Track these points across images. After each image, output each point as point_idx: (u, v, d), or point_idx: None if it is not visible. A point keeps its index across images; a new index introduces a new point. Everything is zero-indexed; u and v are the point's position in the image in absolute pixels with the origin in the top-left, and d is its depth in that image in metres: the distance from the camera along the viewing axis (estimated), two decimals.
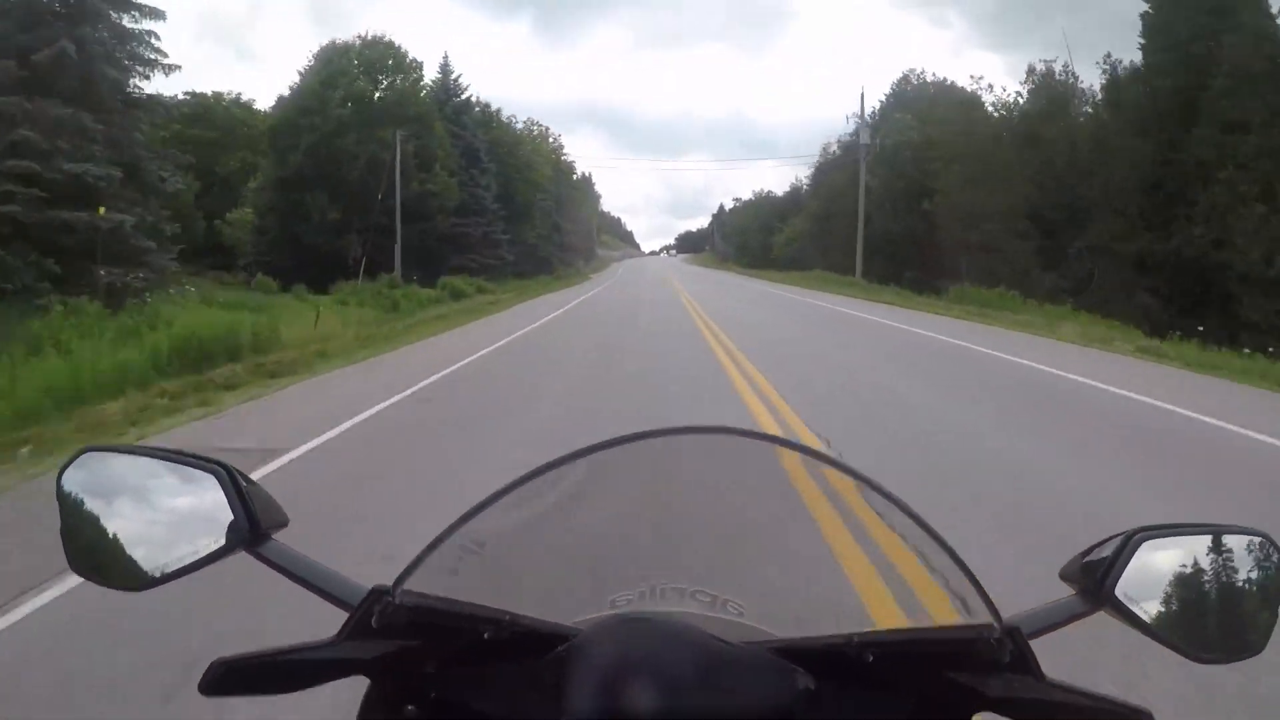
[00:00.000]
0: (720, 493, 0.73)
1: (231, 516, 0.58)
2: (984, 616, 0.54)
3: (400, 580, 0.53)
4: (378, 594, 0.53)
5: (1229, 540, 0.59)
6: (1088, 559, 0.59)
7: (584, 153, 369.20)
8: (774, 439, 0.63)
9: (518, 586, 0.66)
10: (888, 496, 0.58)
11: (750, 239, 61.84)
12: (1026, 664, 0.53)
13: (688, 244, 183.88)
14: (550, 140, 56.17)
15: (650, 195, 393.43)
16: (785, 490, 0.70)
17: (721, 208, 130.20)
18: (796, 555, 0.78)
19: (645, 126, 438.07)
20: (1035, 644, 0.53)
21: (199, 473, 0.59)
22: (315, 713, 1.04)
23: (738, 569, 0.74)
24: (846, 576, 0.82)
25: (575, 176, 69.18)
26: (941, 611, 0.62)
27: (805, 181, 51.31)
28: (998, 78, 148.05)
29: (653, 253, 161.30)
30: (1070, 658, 1.91)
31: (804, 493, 0.72)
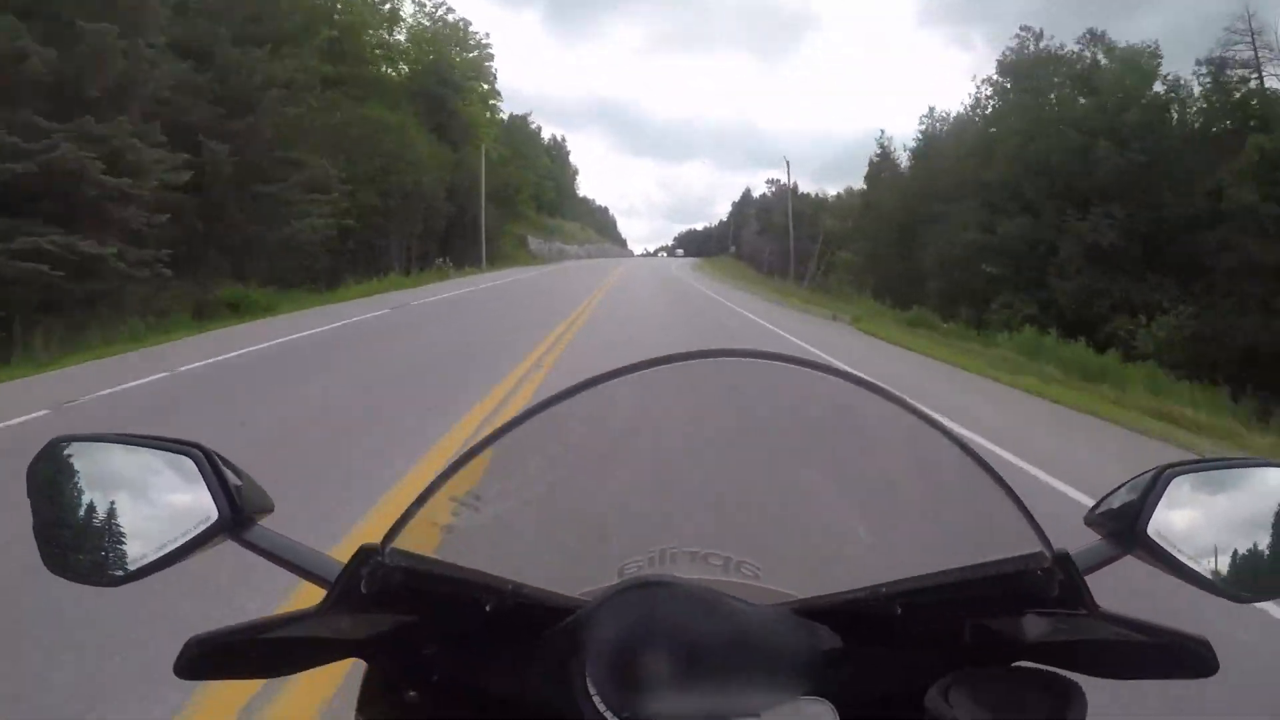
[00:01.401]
0: (729, 442, 0.71)
1: (209, 502, 0.55)
2: (1027, 545, 0.51)
3: (389, 537, 0.51)
4: (365, 553, 0.50)
5: (1260, 473, 0.58)
6: (1113, 501, 0.57)
7: (589, 151, 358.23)
8: (775, 356, 0.59)
9: (518, 552, 0.62)
10: (914, 410, 0.55)
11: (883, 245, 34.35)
12: (1078, 596, 0.51)
13: (693, 244, 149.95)
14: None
15: (651, 198, 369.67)
16: (795, 428, 0.69)
17: (748, 193, 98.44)
18: (812, 508, 0.74)
19: (652, 128, 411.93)
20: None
21: (175, 456, 0.57)
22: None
23: (751, 528, 0.71)
24: (870, 523, 0.70)
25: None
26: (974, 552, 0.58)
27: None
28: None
29: (648, 253, 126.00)
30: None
31: (814, 428, 0.69)
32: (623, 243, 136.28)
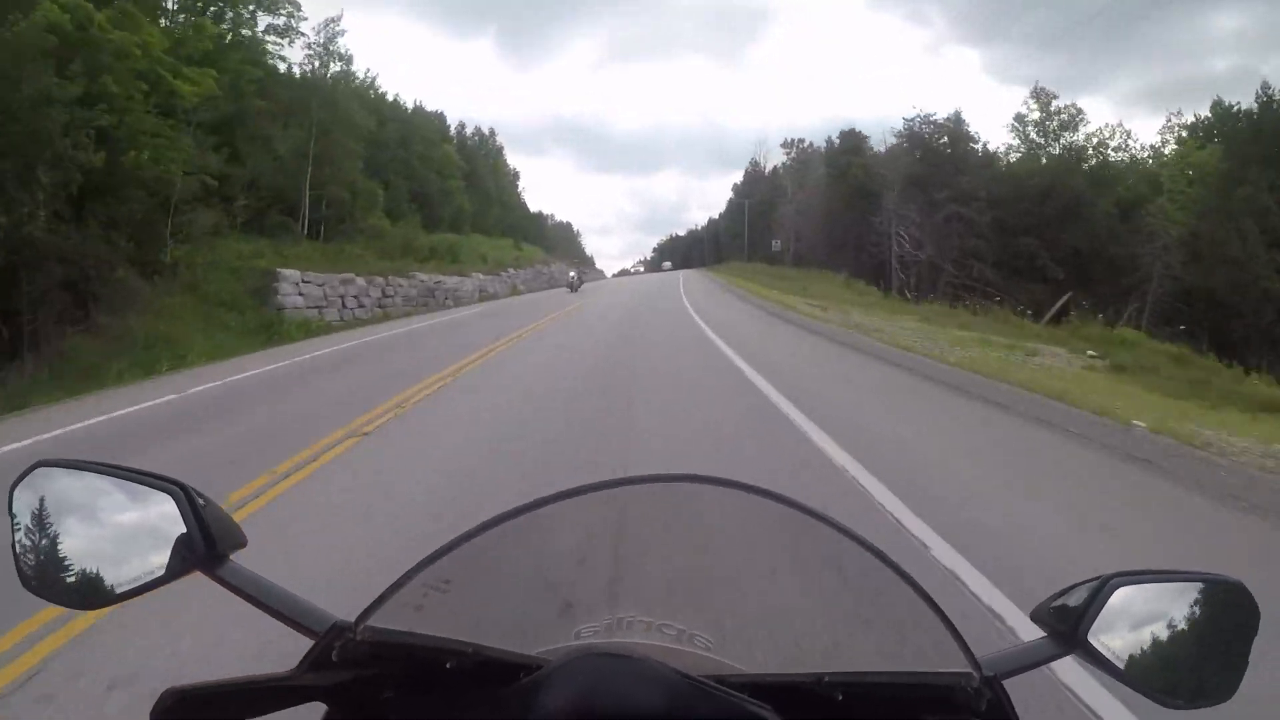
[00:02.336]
0: (689, 530, 0.75)
1: (185, 537, 0.59)
2: (959, 663, 0.57)
3: (363, 616, 0.55)
4: (339, 630, 0.55)
5: (1203, 588, 0.61)
6: (1060, 602, 0.62)
7: (558, 174, 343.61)
8: (743, 486, 0.65)
9: (482, 618, 0.68)
10: (856, 539, 0.61)
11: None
12: (1004, 712, 0.56)
13: (677, 253, 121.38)
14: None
15: (623, 212, 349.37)
16: (755, 529, 0.74)
17: (754, 172, 71.69)
18: (766, 592, 0.80)
19: (617, 142, 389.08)
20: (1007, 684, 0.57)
21: (155, 492, 0.60)
22: None
23: (705, 603, 0.76)
24: (816, 615, 0.78)
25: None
26: (912, 654, 0.66)
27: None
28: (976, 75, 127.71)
29: (626, 272, 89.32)
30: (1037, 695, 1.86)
31: (772, 529, 0.77)
32: (587, 259, 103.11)
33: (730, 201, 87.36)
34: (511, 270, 40.25)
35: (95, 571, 0.59)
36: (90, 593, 0.59)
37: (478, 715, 0.54)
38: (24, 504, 0.61)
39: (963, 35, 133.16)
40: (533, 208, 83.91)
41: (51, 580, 0.60)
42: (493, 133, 72.47)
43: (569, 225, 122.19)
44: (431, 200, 43.73)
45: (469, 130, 66.22)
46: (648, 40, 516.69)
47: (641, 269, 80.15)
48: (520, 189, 76.80)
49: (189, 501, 0.59)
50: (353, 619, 0.56)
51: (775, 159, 71.53)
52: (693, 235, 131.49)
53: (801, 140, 69.82)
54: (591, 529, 0.69)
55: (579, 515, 0.65)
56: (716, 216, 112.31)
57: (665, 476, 0.63)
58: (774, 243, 56.96)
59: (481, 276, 32.55)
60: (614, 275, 72.25)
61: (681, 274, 56.13)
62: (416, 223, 35.18)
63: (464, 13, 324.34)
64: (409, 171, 40.03)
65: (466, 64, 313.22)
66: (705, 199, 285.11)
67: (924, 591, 0.60)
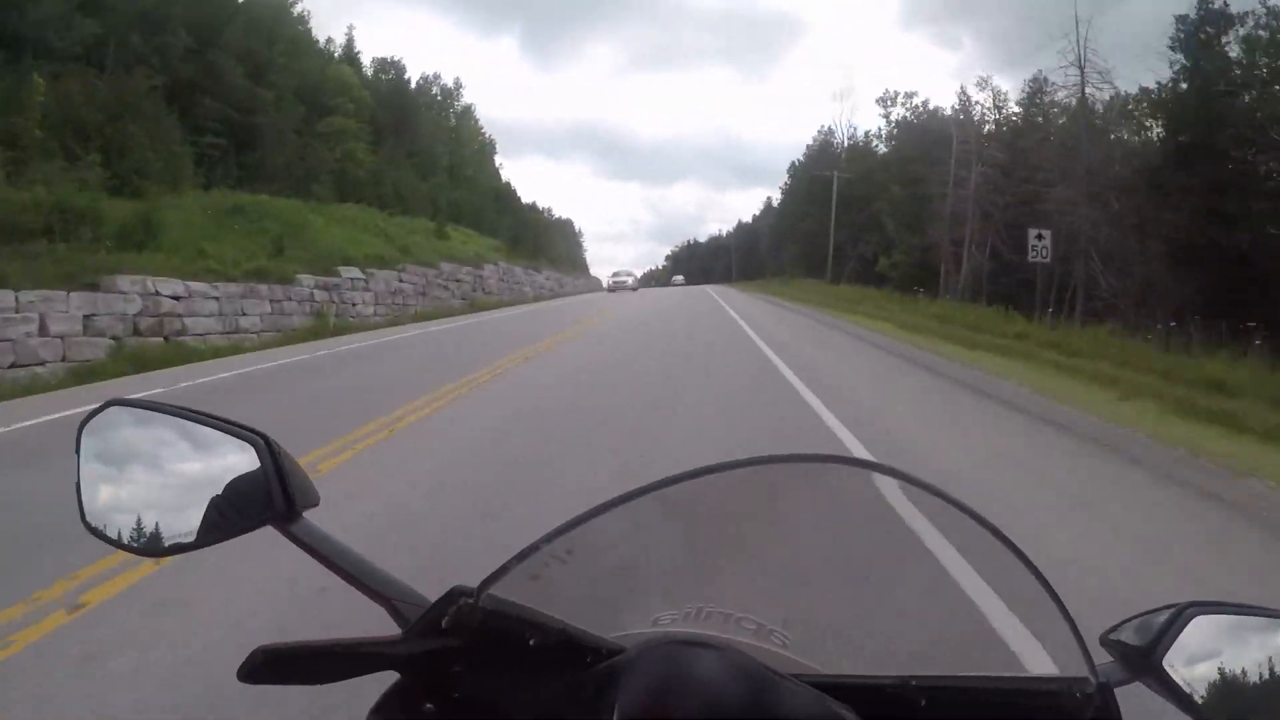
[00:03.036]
0: (779, 519, 0.71)
1: (263, 489, 0.58)
2: (1074, 668, 0.54)
3: (487, 583, 0.54)
4: (456, 594, 0.53)
5: None
6: (1132, 626, 0.60)
7: (576, 178, 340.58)
8: (861, 462, 0.61)
9: (574, 597, 0.65)
10: (981, 521, 0.57)
11: None
12: None
13: (694, 265, 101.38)
14: None
15: (639, 221, 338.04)
16: (851, 518, 0.71)
17: (825, 136, 56.48)
18: (854, 589, 0.77)
19: (635, 150, 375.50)
20: None
21: (233, 440, 0.59)
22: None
23: (786, 599, 0.74)
24: (907, 614, 0.76)
25: None
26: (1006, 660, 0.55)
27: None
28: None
29: (621, 284, 58.15)
30: None
31: (876, 521, 0.73)
32: (583, 266, 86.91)
33: (787, 186, 65.30)
34: (392, 274, 21.41)
35: (162, 518, 0.59)
36: (156, 539, 0.59)
37: (552, 695, 0.54)
38: (92, 443, 0.61)
39: (991, 62, 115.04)
40: (544, 209, 66.45)
41: (114, 523, 0.60)
42: (458, 85, 54.00)
43: (569, 223, 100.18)
44: (262, 139, 24.35)
45: (417, 78, 47.92)
46: (671, 49, 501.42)
47: (630, 280, 51.97)
48: (499, 166, 57.18)
49: (270, 453, 0.58)
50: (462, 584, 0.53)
51: (867, 119, 52.11)
52: (716, 243, 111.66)
53: (912, 94, 50.78)
54: (673, 513, 0.64)
55: (674, 499, 0.60)
56: (750, 219, 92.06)
57: (788, 457, 0.58)
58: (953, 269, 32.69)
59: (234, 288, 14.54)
60: (609, 286, 50.50)
61: (718, 296, 35.59)
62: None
63: (491, 7, 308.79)
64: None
65: (489, 60, 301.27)
66: (723, 213, 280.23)
67: (1045, 580, 0.56)
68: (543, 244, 57.52)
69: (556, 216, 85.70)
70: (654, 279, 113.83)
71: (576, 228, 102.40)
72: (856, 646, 0.68)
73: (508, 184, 62.39)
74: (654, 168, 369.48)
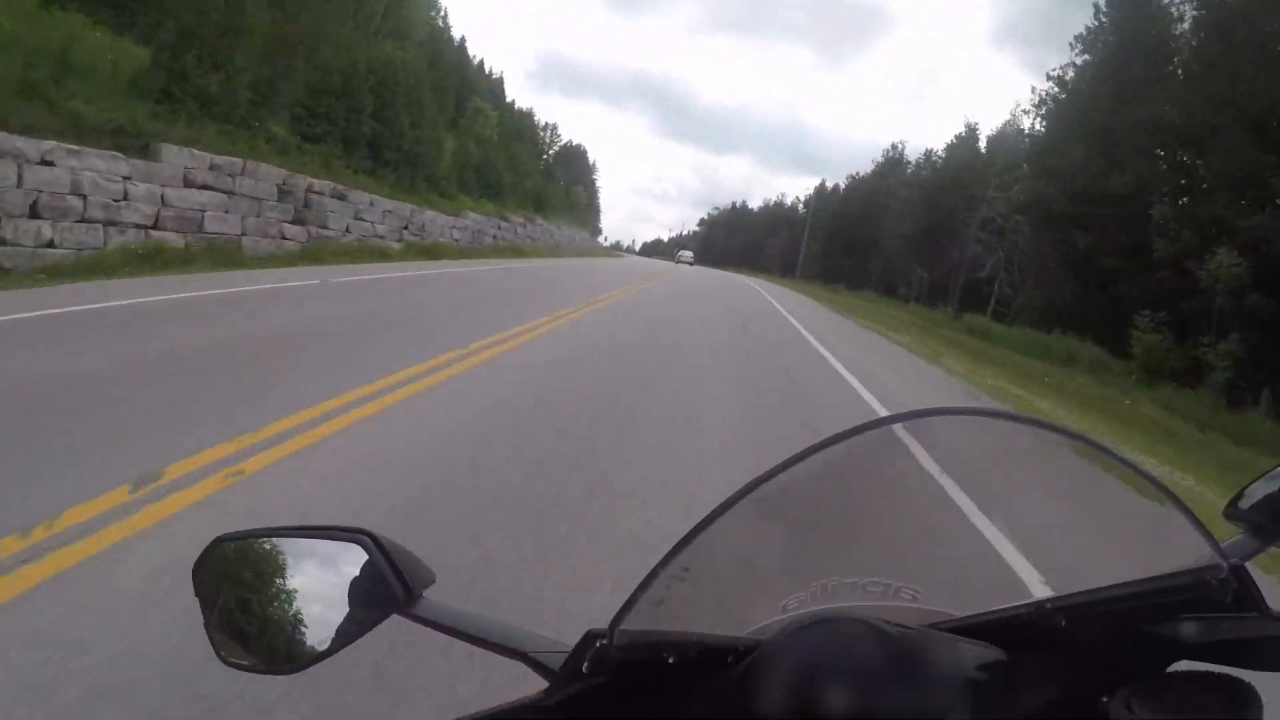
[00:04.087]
0: (884, 478, 0.72)
1: (380, 583, 0.59)
2: (1203, 557, 0.54)
3: (617, 620, 0.54)
4: (591, 638, 0.54)
5: None
6: (1254, 493, 0.59)
7: (628, 128, 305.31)
8: (965, 410, 0.60)
9: (701, 605, 0.65)
10: (1077, 436, 0.57)
11: None
12: (1252, 601, 0.53)
13: (714, 241, 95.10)
14: None
15: (685, 185, 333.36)
16: (953, 465, 0.71)
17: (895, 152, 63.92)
18: (969, 530, 0.77)
19: (697, 113, 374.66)
20: None
21: (341, 544, 0.61)
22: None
23: (908, 553, 0.74)
24: (1029, 543, 0.82)
25: None
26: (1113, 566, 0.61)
27: None
28: None
29: (621, 247, 49.25)
30: None
31: (976, 464, 0.70)
32: (596, 229, 69.03)
33: (879, 167, 57.19)
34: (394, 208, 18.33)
35: (294, 633, 0.60)
36: (294, 654, 0.60)
37: (703, 704, 0.54)
38: (209, 578, 0.63)
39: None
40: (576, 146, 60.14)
41: (251, 650, 0.61)
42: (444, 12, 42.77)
43: (581, 149, 70.02)
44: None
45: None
46: (754, 16, 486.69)
47: (688, 256, 49.86)
48: (510, 100, 44.05)
49: (377, 547, 0.60)
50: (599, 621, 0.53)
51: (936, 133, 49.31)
52: (776, 214, 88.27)
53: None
54: (776, 505, 0.64)
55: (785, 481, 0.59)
56: (804, 197, 79.11)
57: (897, 418, 0.57)
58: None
59: None
60: (676, 260, 44.61)
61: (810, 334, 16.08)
62: None
63: None
64: None
65: None
66: (769, 194, 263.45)
67: (1153, 478, 0.56)
68: (554, 200, 42.91)
69: (571, 143, 66.08)
70: (679, 245, 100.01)
71: (591, 160, 74.33)
72: (987, 584, 0.68)
73: (552, 131, 54.45)
74: (710, 134, 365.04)
